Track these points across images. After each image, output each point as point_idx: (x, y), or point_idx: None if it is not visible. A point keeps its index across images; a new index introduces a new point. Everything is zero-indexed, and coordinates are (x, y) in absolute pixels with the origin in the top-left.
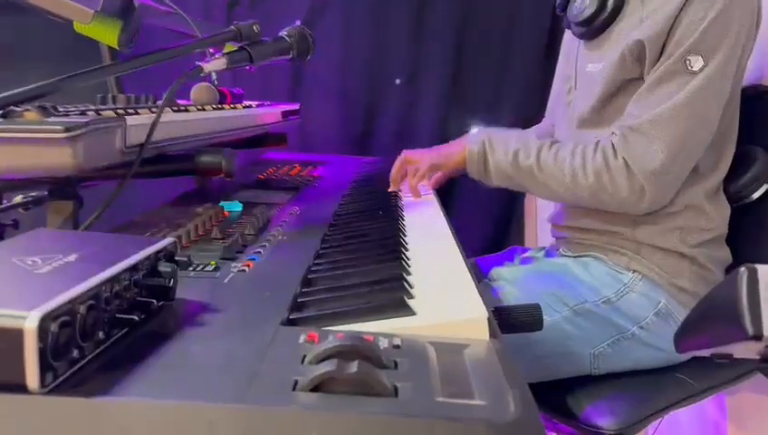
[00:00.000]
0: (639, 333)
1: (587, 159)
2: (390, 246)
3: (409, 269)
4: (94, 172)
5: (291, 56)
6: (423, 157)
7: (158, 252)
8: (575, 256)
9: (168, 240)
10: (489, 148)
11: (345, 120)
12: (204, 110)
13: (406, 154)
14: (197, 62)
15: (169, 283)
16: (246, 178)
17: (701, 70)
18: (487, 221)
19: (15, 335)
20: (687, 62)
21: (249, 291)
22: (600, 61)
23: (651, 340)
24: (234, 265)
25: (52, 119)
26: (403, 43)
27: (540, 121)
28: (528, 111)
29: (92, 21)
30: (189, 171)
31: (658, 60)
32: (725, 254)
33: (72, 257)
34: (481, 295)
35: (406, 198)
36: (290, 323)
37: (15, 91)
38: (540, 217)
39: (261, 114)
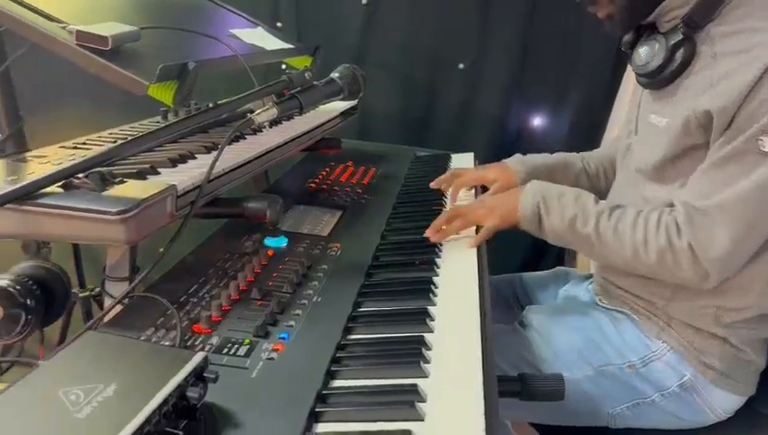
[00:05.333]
0: (660, 400)
1: (649, 237)
2: (412, 348)
3: (427, 376)
4: None
5: (342, 97)
6: (486, 217)
7: (187, 376)
8: (609, 309)
9: (199, 357)
10: (544, 210)
11: (405, 104)
12: (260, 131)
13: (458, 210)
14: (248, 114)
15: (196, 406)
16: (298, 184)
17: None
18: None
19: None
20: (760, 142)
21: (275, 391)
22: (663, 115)
23: (672, 409)
24: (265, 346)
25: (107, 192)
26: (469, 25)
27: (606, 117)
28: (594, 103)
29: (148, 89)
30: (237, 215)
31: (726, 130)
32: (765, 332)
33: (111, 390)
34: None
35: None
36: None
37: (75, 162)
38: None
39: (318, 124)
